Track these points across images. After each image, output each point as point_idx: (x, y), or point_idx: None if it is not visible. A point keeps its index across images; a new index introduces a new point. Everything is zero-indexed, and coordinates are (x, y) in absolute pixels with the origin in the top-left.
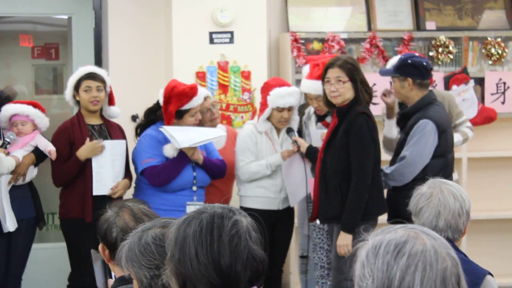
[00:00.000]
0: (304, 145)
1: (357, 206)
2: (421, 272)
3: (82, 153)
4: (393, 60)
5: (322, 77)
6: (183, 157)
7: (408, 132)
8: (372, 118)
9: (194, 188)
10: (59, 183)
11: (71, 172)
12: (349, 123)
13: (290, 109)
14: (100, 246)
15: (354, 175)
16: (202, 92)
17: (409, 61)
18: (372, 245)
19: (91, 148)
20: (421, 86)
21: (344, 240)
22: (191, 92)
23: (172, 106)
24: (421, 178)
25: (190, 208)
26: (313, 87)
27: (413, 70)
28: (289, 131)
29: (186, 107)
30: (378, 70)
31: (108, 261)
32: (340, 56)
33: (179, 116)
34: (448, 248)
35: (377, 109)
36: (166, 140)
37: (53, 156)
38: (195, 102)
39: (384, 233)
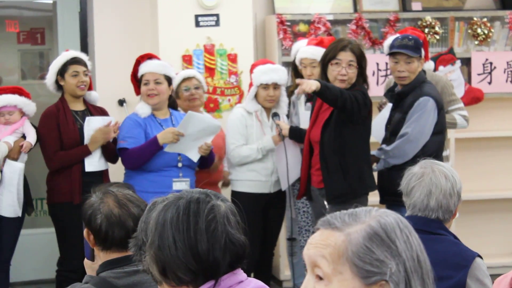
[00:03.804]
0: (285, 127)
1: (336, 92)
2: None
3: (93, 147)
4: (389, 41)
5: (328, 57)
6: (152, 143)
7: (407, 111)
8: (368, 97)
9: (180, 164)
10: (58, 166)
11: (77, 160)
12: None
13: (276, 87)
14: (85, 231)
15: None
16: (159, 63)
17: (421, 41)
18: (375, 230)
19: (101, 142)
20: None
21: (312, 83)
22: (140, 58)
23: (132, 74)
24: (421, 155)
25: (176, 185)
26: (310, 51)
27: (422, 50)
28: (274, 115)
29: (138, 74)
30: (364, 51)
31: (93, 246)
32: (350, 40)
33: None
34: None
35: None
36: (145, 123)
37: (24, 150)
38: (143, 69)
39: (369, 217)
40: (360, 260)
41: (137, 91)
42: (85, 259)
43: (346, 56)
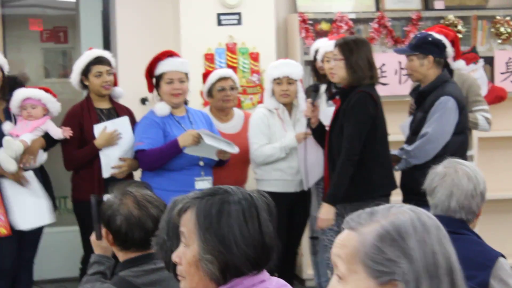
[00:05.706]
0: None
1: (342, 180)
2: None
3: (99, 142)
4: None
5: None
6: (172, 146)
7: (428, 110)
8: (374, 96)
9: (201, 163)
10: (72, 167)
11: (86, 158)
12: (348, 103)
13: (290, 82)
14: (103, 231)
15: (343, 149)
16: (181, 61)
17: (430, 38)
18: (386, 230)
19: (108, 138)
20: (438, 64)
21: (326, 214)
22: (161, 55)
23: (147, 70)
24: (442, 155)
25: (199, 184)
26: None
27: (434, 48)
28: (315, 89)
29: (157, 71)
30: (386, 50)
31: (111, 245)
32: (346, 36)
33: (157, 85)
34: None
35: (385, 89)
36: (163, 122)
37: (67, 134)
38: (166, 67)
39: (384, 217)
40: (371, 261)
41: (151, 88)
42: (92, 237)
43: (333, 52)
